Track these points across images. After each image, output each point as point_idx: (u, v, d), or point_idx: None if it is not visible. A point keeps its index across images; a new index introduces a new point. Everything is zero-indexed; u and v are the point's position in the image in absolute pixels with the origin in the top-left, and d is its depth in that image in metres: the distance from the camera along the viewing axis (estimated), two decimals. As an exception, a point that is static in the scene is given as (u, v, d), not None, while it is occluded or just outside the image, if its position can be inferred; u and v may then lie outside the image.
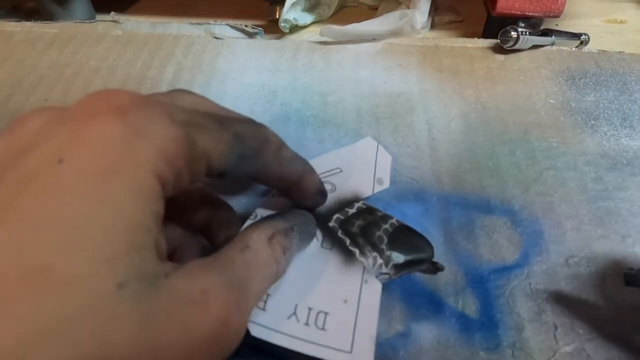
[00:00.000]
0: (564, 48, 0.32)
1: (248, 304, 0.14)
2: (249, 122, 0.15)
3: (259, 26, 0.35)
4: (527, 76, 0.30)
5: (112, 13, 0.36)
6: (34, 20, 0.36)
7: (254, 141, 0.14)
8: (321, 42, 0.33)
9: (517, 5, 0.32)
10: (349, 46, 0.33)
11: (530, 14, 0.32)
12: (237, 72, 0.31)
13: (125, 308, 0.10)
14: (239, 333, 0.13)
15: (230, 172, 0.14)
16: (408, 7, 0.34)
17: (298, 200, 0.18)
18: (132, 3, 0.42)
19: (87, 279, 0.09)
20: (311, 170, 0.17)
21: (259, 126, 0.15)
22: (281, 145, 0.16)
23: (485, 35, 0.35)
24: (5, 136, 0.12)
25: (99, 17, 0.38)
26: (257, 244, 0.14)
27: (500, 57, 0.32)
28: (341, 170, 0.21)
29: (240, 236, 0.15)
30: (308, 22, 0.37)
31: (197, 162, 0.13)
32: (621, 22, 0.38)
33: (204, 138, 0.13)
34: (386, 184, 0.20)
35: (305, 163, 0.17)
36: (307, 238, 0.17)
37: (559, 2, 0.31)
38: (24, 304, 0.09)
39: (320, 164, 0.21)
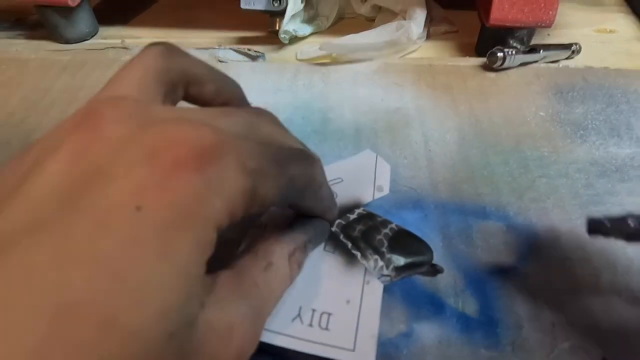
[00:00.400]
0: (551, 65, 0.34)
1: (262, 327, 0.14)
2: (304, 159, 0.15)
3: (258, 37, 0.36)
4: (517, 91, 0.32)
5: (121, 39, 0.38)
6: (39, 37, 0.37)
7: (302, 182, 0.15)
8: (320, 64, 0.35)
9: (510, 17, 0.33)
10: (347, 66, 0.34)
11: (522, 24, 0.33)
12: (241, 93, 0.32)
13: (171, 353, 0.10)
14: (250, 355, 0.14)
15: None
16: (404, 19, 0.36)
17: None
18: (134, 16, 0.43)
19: (145, 331, 0.10)
20: (334, 206, 0.18)
21: (311, 164, 0.15)
22: (322, 184, 0.16)
23: (479, 45, 0.36)
24: (79, 133, 0.12)
25: (103, 30, 0.39)
26: (279, 261, 0.15)
27: (491, 75, 0.33)
28: (342, 180, 0.22)
29: (263, 251, 0.15)
30: (307, 34, 0.38)
31: (253, 207, 0.13)
32: (611, 31, 0.40)
33: (265, 186, 0.13)
34: (386, 191, 0.21)
35: (333, 199, 0.18)
36: (320, 243, 0.18)
37: (550, 12, 0.33)
38: (87, 349, 0.09)
39: None
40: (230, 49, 0.37)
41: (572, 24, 0.40)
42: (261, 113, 0.16)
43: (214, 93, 0.17)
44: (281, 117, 0.29)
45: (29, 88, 0.33)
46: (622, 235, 0.17)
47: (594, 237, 0.18)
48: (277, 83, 0.33)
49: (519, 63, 0.33)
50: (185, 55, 0.16)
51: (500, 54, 0.32)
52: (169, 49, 0.16)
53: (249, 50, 0.36)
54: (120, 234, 0.10)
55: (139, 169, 0.11)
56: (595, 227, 0.18)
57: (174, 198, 0.11)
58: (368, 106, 0.31)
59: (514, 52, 0.32)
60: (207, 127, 0.12)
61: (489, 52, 0.33)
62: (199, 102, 0.17)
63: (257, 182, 0.12)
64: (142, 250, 0.10)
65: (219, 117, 0.14)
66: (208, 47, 0.37)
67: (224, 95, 0.17)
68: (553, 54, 0.34)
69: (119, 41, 0.38)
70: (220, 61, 0.36)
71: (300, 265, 0.16)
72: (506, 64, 0.32)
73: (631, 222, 0.17)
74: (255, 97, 0.32)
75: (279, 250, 0.15)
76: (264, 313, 0.14)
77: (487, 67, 0.34)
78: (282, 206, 0.16)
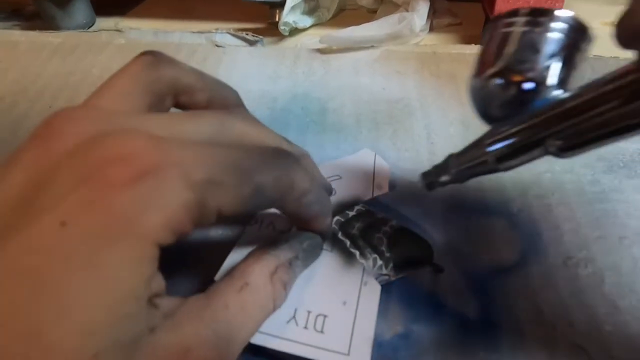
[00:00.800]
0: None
1: (234, 352, 0.13)
2: (279, 164, 0.14)
3: (258, 29, 0.35)
4: (523, 81, 0.31)
5: (116, 22, 0.37)
6: (36, 28, 0.36)
7: (275, 191, 0.14)
8: (320, 50, 0.34)
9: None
10: (348, 54, 0.33)
11: None
12: (239, 79, 0.31)
13: None
14: None
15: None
16: (407, 10, 0.35)
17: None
18: (132, 6, 0.42)
19: (68, 349, 0.10)
20: (326, 214, 0.17)
21: (288, 168, 0.14)
22: (306, 190, 0.15)
23: (483, 37, 0.35)
24: (32, 149, 0.12)
25: (100, 21, 0.38)
26: (257, 281, 0.14)
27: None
28: (340, 177, 0.21)
29: (240, 270, 0.14)
30: (307, 25, 0.37)
31: (205, 219, 0.12)
32: None
33: (219, 196, 0.12)
34: (385, 189, 0.20)
35: (323, 205, 0.16)
36: (313, 260, 0.17)
37: (557, 5, 0.32)
38: None
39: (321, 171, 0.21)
40: (228, 33, 0.35)
41: (577, 17, 0.39)
42: (234, 111, 0.16)
43: (207, 101, 0.17)
44: (279, 106, 0.29)
45: (19, 72, 0.32)
46: (452, 179, 0.17)
47: (432, 190, 0.18)
48: (276, 70, 0.32)
49: (526, 52, 0.32)
50: (175, 65, 0.16)
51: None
52: (158, 58, 0.16)
53: (247, 34, 0.35)
54: (46, 249, 0.10)
55: (70, 185, 0.11)
56: (430, 184, 0.17)
57: (102, 214, 0.11)
58: (369, 95, 0.30)
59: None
60: (151, 140, 0.12)
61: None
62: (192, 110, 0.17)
63: (206, 193, 0.12)
64: (67, 265, 0.10)
65: (184, 121, 0.14)
66: (205, 31, 0.35)
67: (218, 102, 0.17)
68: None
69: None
70: (218, 46, 0.34)
71: (286, 285, 0.15)
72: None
73: (451, 163, 0.17)
74: (252, 84, 0.32)
75: (258, 269, 0.14)
76: (235, 337, 0.13)
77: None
78: (252, 213, 0.15)
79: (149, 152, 0.11)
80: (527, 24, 0.14)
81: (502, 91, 0.14)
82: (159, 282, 0.12)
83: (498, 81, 0.14)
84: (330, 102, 0.29)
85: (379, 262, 0.18)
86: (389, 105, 0.29)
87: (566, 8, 0.32)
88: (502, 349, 0.17)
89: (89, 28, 0.38)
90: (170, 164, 0.11)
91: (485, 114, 0.15)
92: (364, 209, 0.20)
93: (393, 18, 0.34)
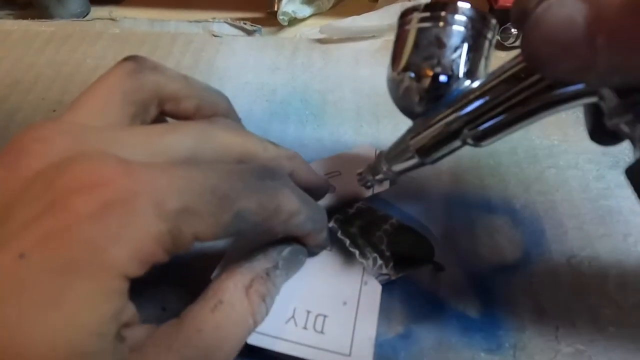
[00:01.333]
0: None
1: None
2: (262, 187, 0.13)
3: (257, 19, 0.35)
4: (528, 73, 0.30)
5: (110, 10, 0.36)
6: (29, 17, 0.35)
7: (258, 216, 0.13)
8: (320, 40, 0.33)
9: None
10: (348, 44, 0.32)
11: None
12: (236, 70, 0.30)
13: None
14: None
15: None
16: (408, 0, 0.34)
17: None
18: None
19: None
20: (320, 229, 0.16)
21: (273, 190, 0.13)
22: (293, 214, 0.14)
23: None
24: (2, 169, 0.11)
25: (95, 11, 0.37)
26: (232, 297, 0.13)
27: (502, 54, 0.31)
28: (340, 174, 0.21)
29: (213, 288, 0.14)
30: (307, 15, 0.36)
31: (181, 246, 0.12)
32: None
33: (195, 224, 0.11)
34: (386, 186, 0.20)
35: (316, 222, 0.15)
36: (296, 268, 0.17)
37: None
38: None
39: (319, 168, 0.20)
40: (225, 22, 0.34)
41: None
42: (216, 120, 0.15)
43: (194, 108, 0.16)
44: (278, 98, 0.28)
45: (11, 62, 0.31)
46: (387, 178, 0.17)
47: (369, 188, 0.19)
48: (275, 61, 0.31)
49: (531, 42, 0.31)
50: (159, 71, 0.15)
51: (514, 30, 0.30)
52: (140, 65, 0.15)
53: (245, 23, 0.34)
54: (3, 280, 0.10)
55: (33, 214, 0.10)
56: (364, 184, 0.18)
57: (65, 247, 0.10)
58: (370, 88, 0.29)
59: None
60: (121, 165, 0.11)
61: (502, 28, 0.31)
62: (178, 118, 0.16)
63: (180, 222, 0.11)
64: (22, 301, 0.10)
65: (162, 135, 0.13)
66: (201, 20, 0.34)
67: (206, 110, 0.16)
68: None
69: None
70: (215, 35, 0.34)
71: (265, 297, 0.14)
72: (519, 42, 0.30)
73: (382, 163, 0.17)
74: (251, 76, 0.31)
75: (232, 284, 0.14)
76: None
77: (498, 46, 0.32)
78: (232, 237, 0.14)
79: (119, 179, 0.11)
80: (430, 19, 0.14)
81: (415, 86, 0.14)
82: (129, 313, 0.11)
83: (410, 76, 0.14)
84: (330, 94, 0.28)
85: (379, 261, 0.17)
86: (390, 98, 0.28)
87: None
88: (503, 349, 0.17)
89: (83, 17, 0.37)
90: (141, 192, 0.11)
91: (404, 108, 0.16)
92: (364, 206, 0.19)
93: (394, 8, 0.33)
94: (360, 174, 0.18)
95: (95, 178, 0.11)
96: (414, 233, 0.19)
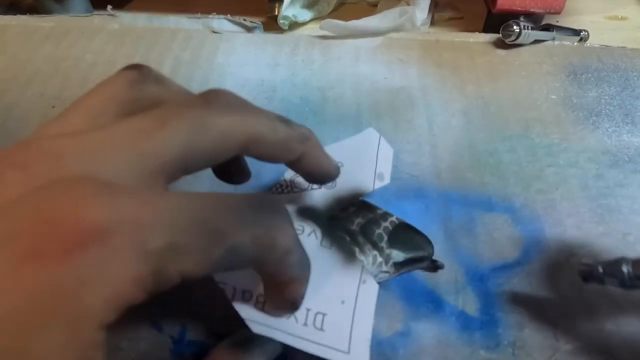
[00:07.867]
0: (566, 43, 0.32)
1: None
2: (262, 221, 0.12)
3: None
4: (528, 71, 0.30)
5: (109, 7, 0.35)
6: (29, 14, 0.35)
7: (252, 251, 0.12)
8: (320, 37, 0.33)
9: (518, 2, 0.31)
10: (349, 41, 0.32)
11: (531, 10, 0.32)
12: (236, 67, 0.30)
13: None
14: None
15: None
16: (408, 4, 0.34)
17: None
18: (129, 0, 0.41)
19: None
20: (304, 280, 0.15)
21: (272, 224, 0.12)
22: (288, 251, 0.13)
23: (485, 32, 0.34)
24: None
25: (95, 12, 0.38)
26: None
27: (502, 52, 0.31)
28: (342, 165, 0.20)
29: None
30: (307, 19, 0.36)
31: (165, 285, 0.10)
32: (622, 18, 0.38)
33: (182, 262, 0.10)
34: (387, 180, 0.20)
35: (303, 269, 0.14)
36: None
37: (559, 3, 0.31)
38: None
39: None
40: (225, 18, 0.34)
41: (582, 11, 0.38)
42: (214, 98, 0.13)
43: None
44: (278, 96, 0.28)
45: (9, 57, 0.31)
46: (617, 283, 0.15)
47: (589, 285, 0.16)
48: (275, 57, 0.31)
49: (532, 40, 0.31)
50: (161, 82, 0.14)
51: (516, 28, 0.30)
52: (143, 75, 0.14)
53: (245, 20, 0.34)
54: None
55: None
56: (589, 274, 0.16)
57: (30, 293, 0.09)
58: (370, 85, 0.29)
59: (529, 27, 0.30)
60: (101, 194, 0.10)
61: (503, 25, 0.31)
62: None
63: (165, 260, 0.10)
64: None
65: (149, 134, 0.12)
66: (201, 16, 0.34)
67: None
68: (563, 37, 0.32)
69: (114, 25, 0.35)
70: (214, 32, 0.33)
71: None
72: (520, 40, 0.30)
73: (625, 269, 0.15)
74: (250, 73, 0.31)
75: None
76: None
77: (498, 44, 0.32)
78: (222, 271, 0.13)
79: (96, 212, 0.10)
80: None
81: None
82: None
83: None
84: (330, 91, 0.28)
85: (379, 259, 0.17)
86: (391, 95, 0.28)
87: (569, 2, 0.32)
88: (502, 347, 0.17)
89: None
90: (120, 229, 0.10)
91: None
92: (364, 203, 0.19)
93: (394, 12, 0.33)
94: (584, 265, 0.16)
95: (70, 210, 0.09)
96: (413, 231, 0.19)
